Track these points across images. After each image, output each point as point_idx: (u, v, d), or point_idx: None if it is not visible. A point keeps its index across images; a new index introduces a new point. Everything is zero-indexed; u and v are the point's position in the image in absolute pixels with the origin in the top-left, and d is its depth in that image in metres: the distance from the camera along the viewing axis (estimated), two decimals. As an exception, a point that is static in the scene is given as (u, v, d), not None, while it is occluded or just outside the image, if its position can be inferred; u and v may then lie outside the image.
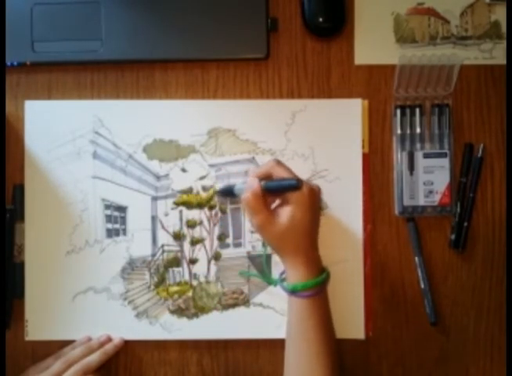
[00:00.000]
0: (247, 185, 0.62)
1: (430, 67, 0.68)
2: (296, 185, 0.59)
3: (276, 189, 0.61)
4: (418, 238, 0.70)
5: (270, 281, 0.69)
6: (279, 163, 0.63)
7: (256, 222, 0.61)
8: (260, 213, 0.60)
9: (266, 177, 0.62)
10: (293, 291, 0.61)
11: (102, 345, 0.68)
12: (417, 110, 0.70)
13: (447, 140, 0.70)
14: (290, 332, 0.63)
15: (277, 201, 0.64)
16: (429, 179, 0.69)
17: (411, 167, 0.69)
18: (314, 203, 0.61)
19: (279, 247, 0.62)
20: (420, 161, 0.69)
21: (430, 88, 0.70)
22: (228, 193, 0.68)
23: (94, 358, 0.66)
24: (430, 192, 0.69)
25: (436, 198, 0.69)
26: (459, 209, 0.70)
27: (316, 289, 0.61)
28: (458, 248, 0.70)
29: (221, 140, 0.70)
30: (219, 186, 0.70)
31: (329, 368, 0.60)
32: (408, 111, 0.70)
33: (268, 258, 0.70)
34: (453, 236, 0.70)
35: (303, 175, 0.70)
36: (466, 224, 0.69)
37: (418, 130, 0.70)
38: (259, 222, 0.61)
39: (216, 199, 0.70)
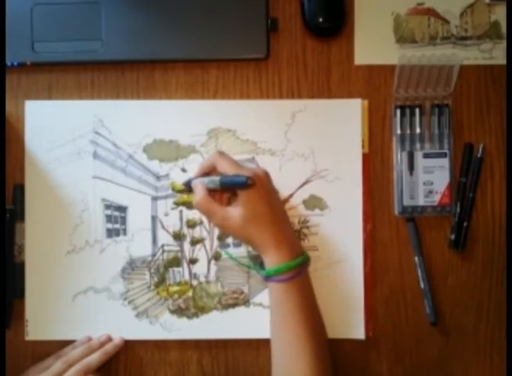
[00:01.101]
0: (194, 190, 0.63)
1: (430, 67, 0.69)
2: (246, 183, 0.59)
3: (230, 185, 0.61)
4: (418, 238, 0.70)
5: (250, 267, 0.69)
6: (222, 155, 0.64)
7: (214, 223, 0.63)
8: (214, 214, 0.62)
9: (211, 170, 0.64)
10: (267, 276, 0.62)
11: (102, 344, 0.68)
12: (417, 110, 0.70)
13: (447, 140, 0.70)
14: (272, 315, 0.63)
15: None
16: (429, 179, 0.69)
17: (411, 167, 0.69)
18: (263, 187, 0.62)
19: (245, 239, 0.63)
20: (420, 161, 0.69)
21: (430, 88, 0.70)
22: (189, 190, 0.67)
23: (94, 358, 0.66)
24: (430, 192, 0.69)
25: (436, 198, 0.69)
26: (458, 209, 0.70)
27: (291, 273, 0.61)
28: (458, 248, 0.70)
29: (221, 140, 0.70)
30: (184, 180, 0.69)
31: (313, 351, 0.60)
32: (408, 111, 0.70)
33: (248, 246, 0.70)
34: (453, 236, 0.70)
35: (303, 175, 0.70)
36: (465, 224, 0.70)
37: (418, 130, 0.70)
38: (216, 222, 0.63)
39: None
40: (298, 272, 0.61)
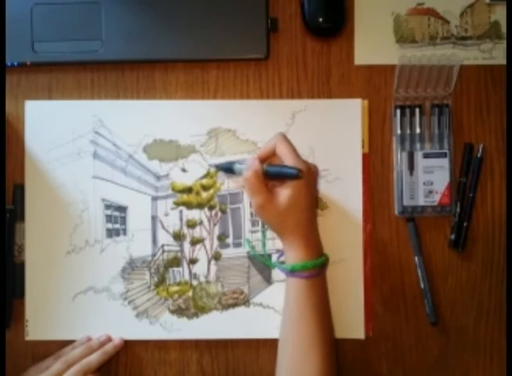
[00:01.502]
0: (248, 164, 0.63)
1: (430, 67, 0.68)
2: (296, 175, 0.59)
3: (276, 175, 0.62)
4: (418, 238, 0.70)
5: (268, 263, 0.69)
6: (284, 139, 0.63)
7: (256, 202, 0.62)
8: (260, 193, 0.61)
9: (269, 156, 0.63)
10: (292, 271, 0.62)
11: (102, 344, 0.68)
12: (417, 110, 0.70)
13: (447, 140, 0.70)
14: (287, 312, 0.63)
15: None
16: (429, 179, 0.69)
17: (411, 167, 0.69)
18: (312, 183, 0.63)
19: (279, 227, 0.63)
20: (420, 161, 0.69)
21: (430, 88, 0.70)
22: (228, 170, 0.67)
23: (94, 358, 0.66)
24: (430, 192, 0.69)
25: (436, 198, 0.69)
26: (458, 209, 0.70)
27: (315, 271, 0.62)
28: (458, 248, 0.70)
29: (221, 140, 0.70)
30: (218, 161, 0.69)
31: (324, 352, 0.61)
32: (408, 111, 0.70)
33: (265, 239, 0.70)
34: (453, 236, 0.70)
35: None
36: (465, 224, 0.70)
37: (418, 130, 0.70)
38: (259, 202, 0.62)
39: (216, 199, 0.70)
40: (321, 271, 0.63)
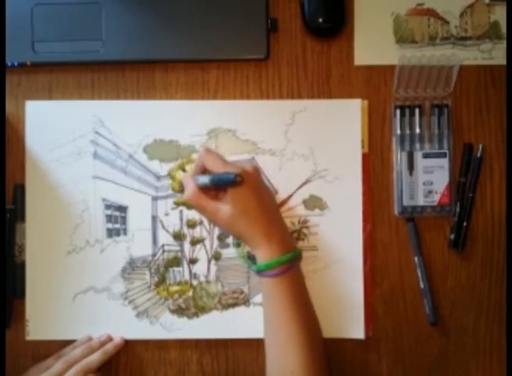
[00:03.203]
0: (185, 186, 0.64)
1: (430, 68, 0.69)
2: (234, 180, 0.58)
3: (216, 184, 0.61)
4: (418, 238, 0.70)
5: (246, 262, 0.69)
6: (208, 152, 0.64)
7: (206, 217, 0.66)
8: (204, 209, 0.63)
9: (202, 169, 0.64)
10: (258, 271, 0.62)
11: (102, 344, 0.68)
12: (417, 111, 0.70)
13: (446, 140, 0.70)
14: (264, 311, 0.64)
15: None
16: (428, 179, 0.70)
17: (410, 167, 0.69)
18: (255, 183, 0.62)
19: (236, 233, 0.64)
20: (420, 161, 0.70)
21: (430, 88, 0.70)
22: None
23: (94, 358, 0.66)
24: (430, 192, 0.70)
25: (435, 198, 0.70)
26: (458, 209, 0.70)
27: (282, 267, 0.61)
28: (458, 248, 0.70)
29: (221, 140, 0.71)
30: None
31: (304, 346, 0.60)
32: (407, 111, 0.70)
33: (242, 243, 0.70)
34: (453, 236, 0.70)
35: (303, 175, 0.70)
36: (465, 224, 0.70)
37: (417, 130, 0.70)
38: (208, 217, 0.65)
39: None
40: (289, 267, 0.62)
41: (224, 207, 0.62)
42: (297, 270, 0.64)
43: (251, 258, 0.66)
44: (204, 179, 0.62)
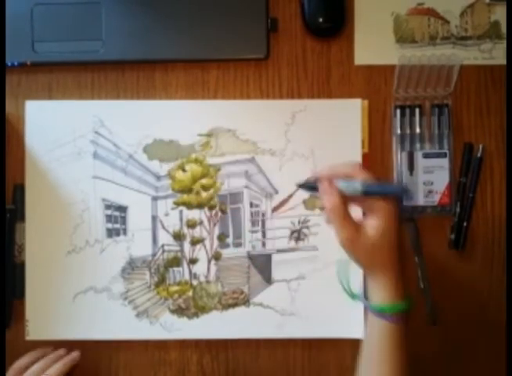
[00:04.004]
0: (326, 192, 0.56)
1: (430, 67, 0.69)
2: (402, 190, 0.55)
3: (376, 193, 0.55)
4: (418, 238, 0.70)
5: (351, 296, 0.64)
6: (363, 168, 0.56)
7: (341, 237, 0.56)
8: (344, 227, 0.56)
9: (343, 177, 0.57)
10: (380, 312, 0.57)
11: (59, 357, 0.67)
12: (417, 111, 0.70)
13: (446, 140, 0.70)
14: (369, 351, 0.60)
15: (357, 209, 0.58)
16: (429, 179, 0.69)
17: (411, 167, 0.69)
18: (399, 214, 0.57)
19: (368, 264, 0.57)
20: (420, 161, 0.69)
21: (430, 88, 0.70)
22: (312, 188, 0.59)
23: (53, 369, 0.65)
24: (430, 192, 0.69)
25: (436, 198, 0.69)
26: (458, 209, 0.70)
27: (401, 314, 0.57)
28: (458, 248, 0.70)
29: (221, 140, 0.71)
30: (301, 180, 0.61)
31: None
32: (407, 111, 0.70)
33: (347, 269, 0.64)
34: (453, 236, 0.70)
35: (303, 175, 0.70)
36: (465, 224, 0.70)
37: (418, 130, 0.70)
38: (345, 237, 0.56)
39: (216, 199, 0.70)
40: (406, 315, 0.58)
41: (371, 228, 0.55)
42: (407, 319, 0.59)
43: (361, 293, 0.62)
44: (355, 187, 0.55)
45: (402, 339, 0.58)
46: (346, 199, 0.56)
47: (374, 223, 0.55)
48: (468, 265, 0.71)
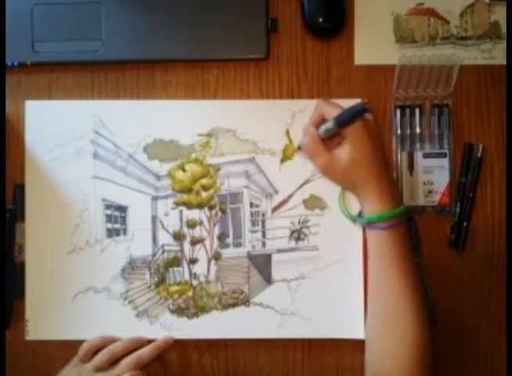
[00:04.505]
0: (304, 131, 0.66)
1: (430, 68, 0.69)
2: (364, 108, 0.60)
3: (344, 122, 0.62)
4: (418, 238, 0.70)
5: (350, 218, 0.68)
6: (326, 102, 0.66)
7: (319, 165, 0.65)
8: (320, 156, 0.64)
9: (321, 121, 0.65)
10: (368, 223, 0.63)
11: (149, 341, 0.68)
12: (417, 110, 0.70)
13: (447, 140, 0.70)
14: (371, 265, 0.64)
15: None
16: (429, 179, 0.70)
17: (411, 167, 0.69)
18: (370, 134, 0.63)
19: (348, 184, 0.65)
20: (420, 161, 0.70)
21: (430, 88, 0.70)
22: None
23: (146, 351, 0.66)
24: (430, 192, 0.69)
25: (436, 198, 0.69)
26: (458, 209, 0.70)
27: (393, 221, 0.62)
28: (458, 248, 0.70)
29: (221, 140, 0.71)
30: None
31: (415, 296, 0.61)
32: (407, 111, 0.70)
33: (343, 194, 0.69)
34: (453, 236, 0.70)
35: (303, 175, 0.70)
36: (465, 224, 0.70)
37: (418, 130, 0.70)
38: (322, 164, 0.64)
39: (216, 199, 0.70)
40: (399, 221, 0.62)
41: (341, 153, 0.63)
42: (405, 226, 0.64)
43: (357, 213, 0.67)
44: (328, 124, 0.63)
45: (398, 246, 0.62)
46: (324, 139, 0.65)
47: (345, 147, 0.63)
48: (468, 265, 0.71)
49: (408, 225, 0.65)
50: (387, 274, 0.62)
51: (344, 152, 0.63)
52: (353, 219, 0.68)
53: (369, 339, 0.64)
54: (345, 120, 0.62)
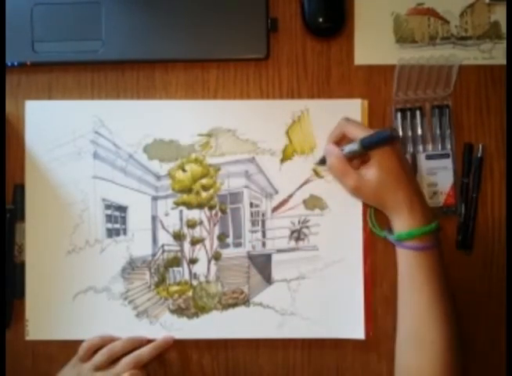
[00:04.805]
0: (327, 151, 0.66)
1: (429, 68, 0.68)
2: (392, 136, 0.60)
3: (372, 143, 0.61)
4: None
5: (380, 234, 0.68)
6: (349, 121, 0.65)
7: (348, 185, 0.64)
8: (349, 176, 0.63)
9: (341, 138, 0.66)
10: (398, 240, 0.62)
11: (148, 341, 0.68)
12: (417, 113, 0.70)
13: (449, 141, 0.70)
14: (401, 283, 0.63)
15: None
16: (433, 181, 0.69)
17: (414, 169, 0.69)
18: (397, 155, 0.62)
19: (378, 204, 0.64)
20: (423, 163, 0.69)
21: (430, 89, 0.70)
22: (323, 162, 0.68)
23: (145, 350, 0.66)
24: (435, 193, 0.69)
25: (441, 199, 0.69)
26: (463, 210, 0.70)
27: (424, 241, 0.61)
28: (465, 249, 0.70)
29: (221, 140, 0.71)
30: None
31: (445, 319, 0.60)
32: (408, 114, 0.70)
33: (374, 211, 0.69)
34: (460, 237, 0.70)
35: (303, 175, 0.70)
36: (471, 224, 0.69)
37: (419, 132, 0.70)
38: (351, 185, 0.64)
39: (216, 199, 0.70)
40: (431, 241, 0.61)
41: (368, 173, 0.62)
42: (439, 247, 0.62)
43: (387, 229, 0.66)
44: (353, 146, 0.63)
45: (430, 270, 0.61)
46: (348, 158, 0.64)
47: (372, 168, 0.62)
48: (476, 265, 0.70)
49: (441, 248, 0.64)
50: (414, 296, 0.61)
51: (371, 172, 0.62)
52: (383, 236, 0.67)
53: (397, 355, 0.63)
54: (372, 144, 0.62)
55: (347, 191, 0.67)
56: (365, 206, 0.69)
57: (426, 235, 0.61)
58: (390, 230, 0.65)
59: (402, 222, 0.62)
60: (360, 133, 0.63)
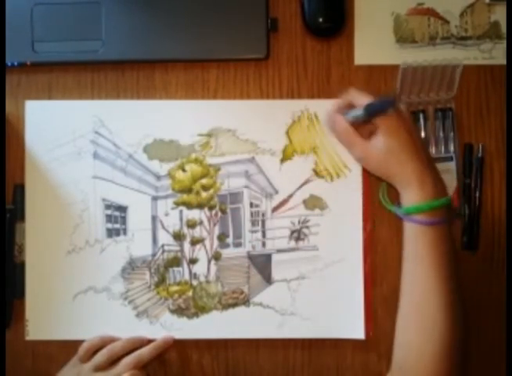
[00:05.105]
0: (330, 118, 0.64)
1: (432, 71, 0.68)
2: (393, 102, 0.59)
3: (372, 113, 0.60)
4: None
5: (390, 208, 0.66)
6: (356, 90, 0.64)
7: (355, 155, 0.64)
8: (355, 145, 0.62)
9: (346, 107, 0.64)
10: (406, 214, 0.60)
11: (149, 341, 0.68)
12: (421, 116, 0.70)
13: (452, 143, 0.70)
14: (405, 258, 0.61)
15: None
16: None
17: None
18: (404, 122, 0.61)
19: (386, 173, 0.62)
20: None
21: (433, 92, 0.70)
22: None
23: (145, 351, 0.66)
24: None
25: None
26: (467, 211, 0.70)
27: (433, 214, 0.58)
28: (471, 249, 0.69)
29: (221, 140, 0.71)
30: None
31: (448, 302, 0.58)
32: (411, 117, 0.69)
33: (386, 185, 0.67)
34: (465, 238, 0.69)
35: (303, 175, 0.70)
36: (476, 225, 0.69)
37: (422, 135, 0.69)
38: (357, 155, 0.63)
39: (216, 199, 0.70)
40: (441, 219, 0.59)
41: (377, 143, 0.60)
42: (449, 224, 0.60)
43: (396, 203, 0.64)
44: (357, 111, 0.61)
45: (438, 242, 0.58)
46: (354, 126, 0.62)
47: (380, 137, 0.60)
48: (482, 265, 0.70)
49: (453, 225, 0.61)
50: (420, 268, 0.59)
51: (379, 141, 0.60)
52: (392, 210, 0.65)
53: (398, 331, 0.61)
54: (375, 110, 0.60)
55: (355, 160, 0.66)
56: (377, 181, 0.68)
57: (436, 210, 0.59)
58: (399, 204, 0.62)
59: (411, 195, 0.59)
60: (365, 100, 0.61)
